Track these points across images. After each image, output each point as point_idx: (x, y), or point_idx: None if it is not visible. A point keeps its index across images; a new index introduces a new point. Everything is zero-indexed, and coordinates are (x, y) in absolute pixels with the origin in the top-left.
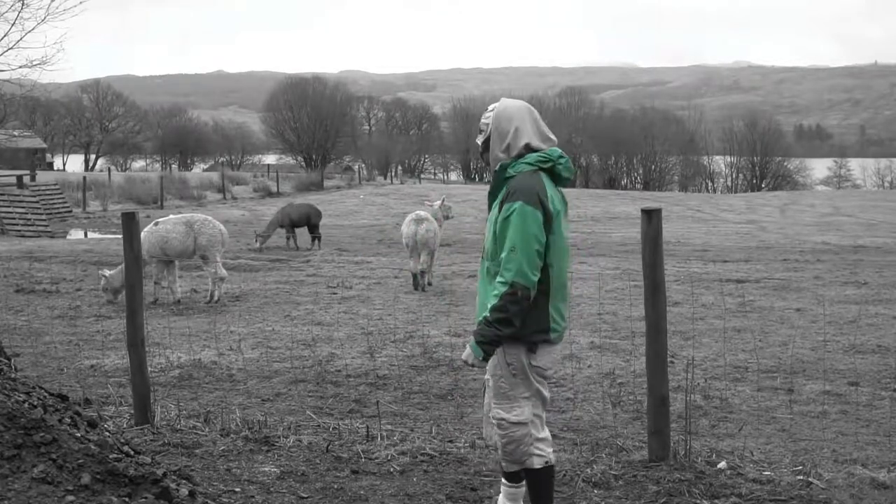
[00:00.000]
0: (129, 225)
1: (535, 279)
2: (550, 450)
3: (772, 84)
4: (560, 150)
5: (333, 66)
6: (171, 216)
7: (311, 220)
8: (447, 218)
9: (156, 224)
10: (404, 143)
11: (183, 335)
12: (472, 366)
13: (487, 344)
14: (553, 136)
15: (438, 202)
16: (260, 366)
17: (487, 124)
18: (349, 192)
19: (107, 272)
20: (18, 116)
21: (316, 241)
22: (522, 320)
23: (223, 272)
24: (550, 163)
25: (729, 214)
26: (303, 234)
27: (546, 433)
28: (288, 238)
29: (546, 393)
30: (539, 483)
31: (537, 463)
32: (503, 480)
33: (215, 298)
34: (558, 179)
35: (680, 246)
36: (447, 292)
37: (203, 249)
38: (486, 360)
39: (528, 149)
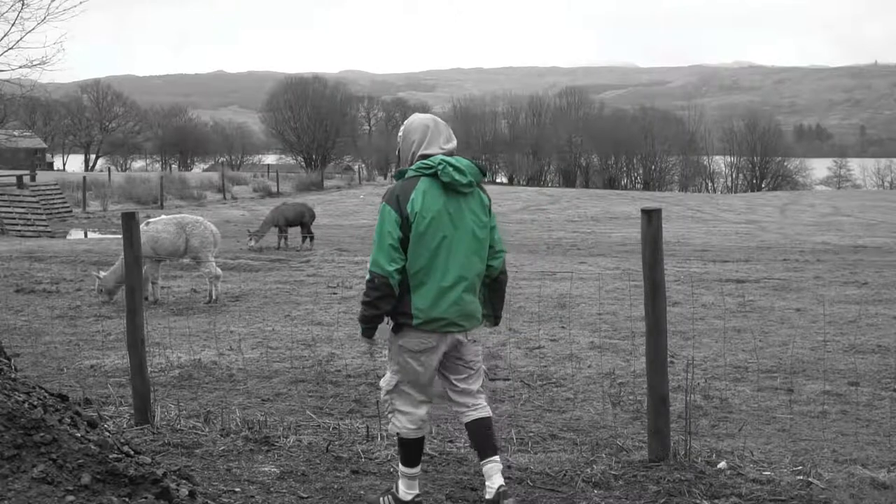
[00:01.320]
0: (130, 225)
1: (391, 269)
2: (408, 425)
3: (772, 84)
4: (441, 157)
5: (333, 66)
6: (163, 216)
7: (304, 220)
8: None
9: (147, 224)
10: None
11: (183, 335)
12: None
13: (361, 321)
14: (450, 146)
15: None
16: (260, 366)
17: (401, 137)
18: (349, 192)
19: (101, 273)
20: (18, 116)
21: (308, 241)
22: (392, 304)
23: (217, 271)
24: (432, 169)
25: (729, 214)
26: (297, 233)
27: (418, 412)
28: (284, 237)
29: (451, 384)
30: (399, 445)
31: (392, 429)
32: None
33: (214, 298)
34: (448, 185)
35: (680, 246)
36: None
37: (195, 251)
38: (365, 335)
39: (423, 157)
